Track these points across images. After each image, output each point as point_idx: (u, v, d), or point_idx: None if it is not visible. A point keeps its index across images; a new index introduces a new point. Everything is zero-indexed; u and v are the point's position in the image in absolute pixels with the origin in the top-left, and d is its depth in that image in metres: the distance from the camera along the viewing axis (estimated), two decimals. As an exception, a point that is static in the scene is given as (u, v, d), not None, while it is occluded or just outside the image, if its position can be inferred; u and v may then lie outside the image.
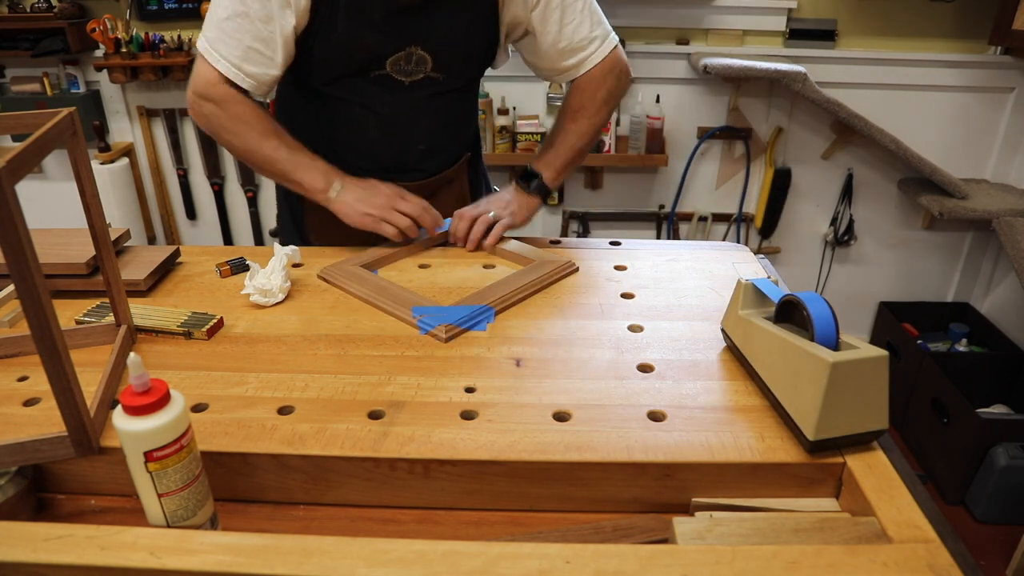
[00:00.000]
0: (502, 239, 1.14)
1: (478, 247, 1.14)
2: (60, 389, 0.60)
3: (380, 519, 0.68)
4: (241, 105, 1.06)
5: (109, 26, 2.33)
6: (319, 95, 1.15)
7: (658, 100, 2.48)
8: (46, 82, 2.49)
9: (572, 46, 1.14)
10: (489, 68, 1.24)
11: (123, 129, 2.64)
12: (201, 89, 1.06)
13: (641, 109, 2.46)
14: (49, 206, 2.73)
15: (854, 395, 0.63)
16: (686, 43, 2.47)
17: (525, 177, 1.20)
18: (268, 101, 1.29)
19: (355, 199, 1.07)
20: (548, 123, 2.58)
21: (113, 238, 0.99)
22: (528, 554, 0.51)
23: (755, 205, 2.71)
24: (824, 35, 2.42)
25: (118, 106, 2.60)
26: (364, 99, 1.13)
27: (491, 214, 1.14)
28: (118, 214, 2.55)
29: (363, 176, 1.12)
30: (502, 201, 1.17)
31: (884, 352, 0.63)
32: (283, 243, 1.05)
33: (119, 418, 0.57)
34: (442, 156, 1.28)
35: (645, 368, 0.81)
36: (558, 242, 1.19)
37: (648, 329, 0.90)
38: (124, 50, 2.36)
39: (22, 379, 0.79)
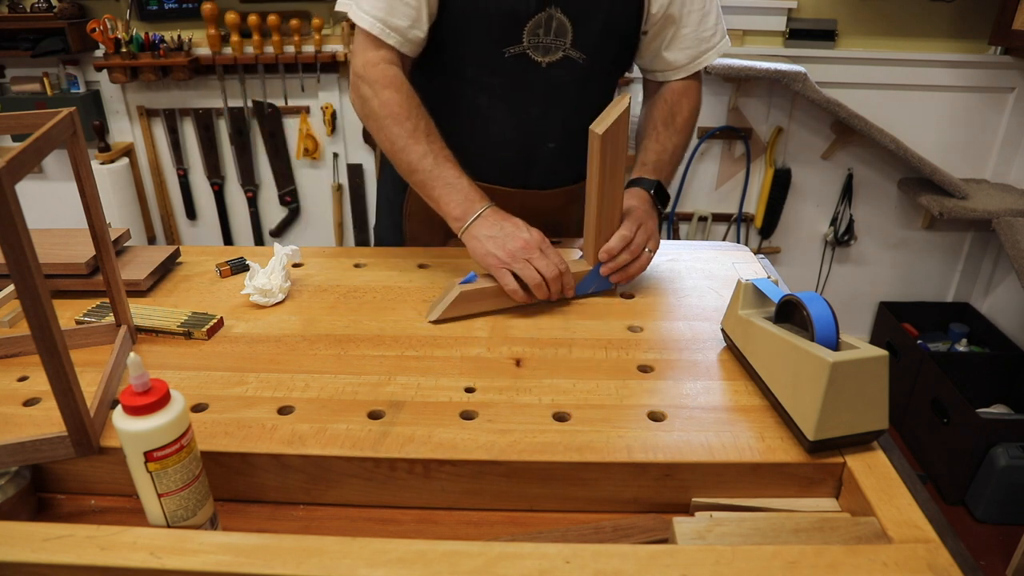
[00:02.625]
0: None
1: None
2: (60, 389, 0.60)
3: (380, 519, 0.68)
4: (395, 92, 0.96)
5: (109, 26, 2.33)
6: (441, 86, 1.08)
7: (658, 100, 2.48)
8: (46, 82, 2.49)
9: (703, 36, 1.08)
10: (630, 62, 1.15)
11: (123, 129, 2.64)
12: (359, 69, 0.98)
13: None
14: (49, 206, 2.73)
15: (854, 395, 0.63)
16: (686, 43, 2.47)
17: (659, 195, 1.05)
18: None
19: (488, 234, 0.93)
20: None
21: (113, 238, 0.99)
22: (528, 554, 0.51)
23: (755, 205, 2.71)
24: (824, 35, 2.42)
25: (118, 106, 2.60)
26: (494, 84, 1.05)
27: (647, 250, 0.99)
28: (118, 214, 2.55)
29: (485, 184, 1.02)
30: (649, 227, 0.99)
31: (884, 352, 0.63)
32: (379, 233, 0.98)
33: (119, 418, 0.57)
34: (572, 163, 1.11)
35: (645, 368, 0.81)
36: (558, 242, 1.18)
37: (648, 329, 0.90)
38: (124, 50, 2.36)
39: (22, 379, 0.79)
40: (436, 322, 0.91)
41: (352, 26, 1.06)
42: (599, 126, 0.88)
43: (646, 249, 0.98)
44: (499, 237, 0.92)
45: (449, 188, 0.95)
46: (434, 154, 0.96)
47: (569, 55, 1.04)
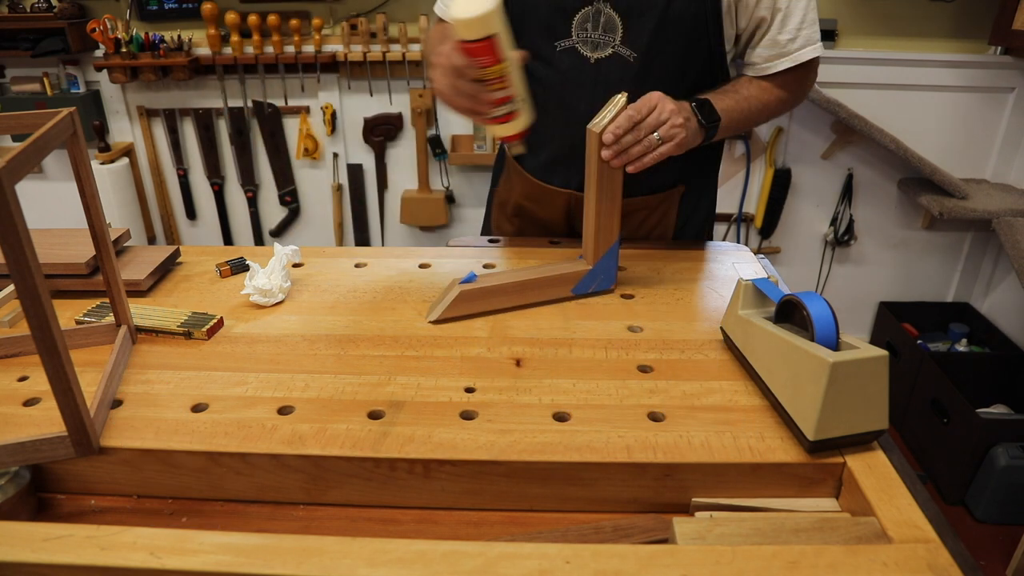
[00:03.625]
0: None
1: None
2: (60, 389, 0.60)
3: (380, 519, 0.68)
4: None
5: (109, 26, 2.33)
6: None
7: (658, 100, 2.48)
8: (46, 82, 2.49)
9: (780, 40, 1.04)
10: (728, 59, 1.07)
11: (123, 129, 2.64)
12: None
13: (641, 109, 2.46)
14: (49, 206, 2.73)
15: (854, 395, 0.63)
16: (686, 43, 2.47)
17: (703, 112, 1.00)
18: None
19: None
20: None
21: (113, 238, 0.99)
22: (528, 554, 0.51)
23: (755, 205, 2.71)
24: (824, 35, 2.42)
25: (118, 106, 2.60)
26: (547, 77, 1.06)
27: (657, 136, 0.90)
28: (118, 214, 2.55)
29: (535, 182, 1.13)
30: (678, 119, 0.92)
31: (884, 352, 0.63)
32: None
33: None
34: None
35: (645, 368, 0.81)
36: (557, 242, 1.18)
37: (648, 329, 0.90)
38: (124, 50, 2.36)
39: (22, 379, 0.79)
40: (436, 322, 0.91)
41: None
42: (597, 125, 0.88)
43: (655, 135, 0.90)
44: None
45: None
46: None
47: (619, 52, 1.02)
